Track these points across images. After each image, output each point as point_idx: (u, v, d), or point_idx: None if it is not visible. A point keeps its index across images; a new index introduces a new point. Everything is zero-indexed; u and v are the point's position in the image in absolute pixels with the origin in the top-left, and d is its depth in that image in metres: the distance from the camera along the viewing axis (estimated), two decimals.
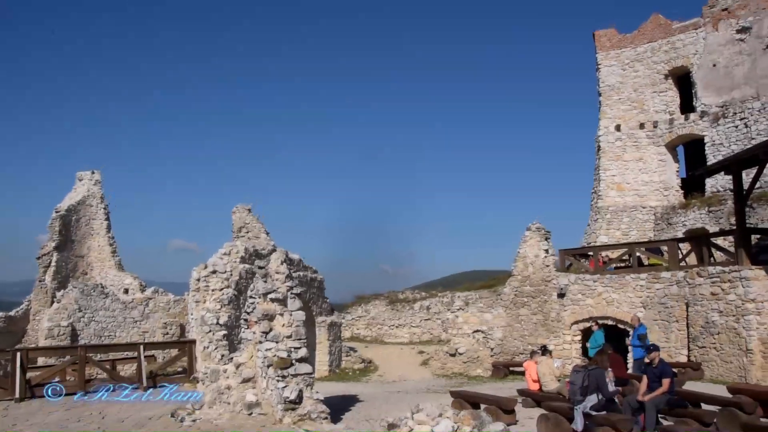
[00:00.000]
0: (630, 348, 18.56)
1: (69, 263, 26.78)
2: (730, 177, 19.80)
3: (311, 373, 11.82)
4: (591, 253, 24.13)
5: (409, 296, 32.15)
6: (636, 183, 28.68)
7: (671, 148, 28.59)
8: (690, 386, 14.88)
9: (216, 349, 14.43)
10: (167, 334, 26.26)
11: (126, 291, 27.64)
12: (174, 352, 19.19)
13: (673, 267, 20.26)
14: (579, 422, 10.45)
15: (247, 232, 26.69)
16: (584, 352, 20.48)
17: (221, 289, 15.80)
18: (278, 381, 11.15)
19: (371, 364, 24.26)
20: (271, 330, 11.95)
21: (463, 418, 8.92)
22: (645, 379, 11.34)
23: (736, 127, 25.64)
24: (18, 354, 14.64)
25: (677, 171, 28.66)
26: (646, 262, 22.85)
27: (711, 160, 25.56)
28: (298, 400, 10.99)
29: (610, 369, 11.49)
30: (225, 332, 14.78)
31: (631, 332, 18.80)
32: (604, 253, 24.34)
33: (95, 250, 28.34)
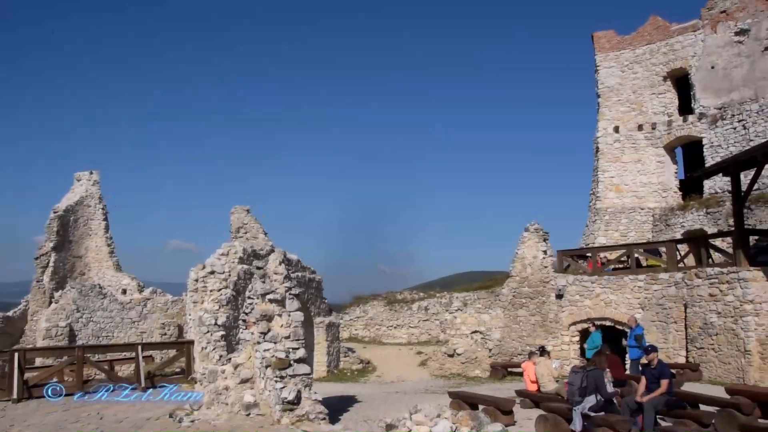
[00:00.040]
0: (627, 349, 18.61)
1: (67, 264, 26.76)
2: (729, 178, 19.85)
3: (309, 374, 11.80)
4: (589, 255, 24.16)
5: (407, 297, 32.13)
6: (634, 184, 28.72)
7: (670, 149, 28.64)
8: (688, 387, 14.90)
9: (214, 349, 14.40)
10: (165, 334, 26.23)
11: (124, 291, 27.61)
12: (172, 352, 19.17)
13: (672, 268, 20.29)
14: (577, 423, 10.45)
15: (246, 233, 26.68)
16: (582, 353, 20.49)
17: (219, 290, 15.77)
18: (276, 381, 11.13)
19: (369, 364, 24.25)
20: (269, 330, 11.94)
21: (461, 419, 8.92)
22: (643, 380, 11.34)
23: (735, 128, 25.68)
24: (16, 354, 14.58)
25: (675, 172, 28.70)
26: (644, 264, 22.88)
27: (709, 161, 25.61)
28: (297, 400, 10.98)
29: (608, 370, 11.49)
30: (223, 333, 14.75)
31: (628, 333, 18.85)
32: (602, 255, 24.37)
33: (93, 250, 28.31)
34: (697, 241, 21.37)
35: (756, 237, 20.38)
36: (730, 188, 20.21)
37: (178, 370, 18.65)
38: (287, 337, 11.87)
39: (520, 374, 17.06)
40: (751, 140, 24.32)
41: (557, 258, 23.27)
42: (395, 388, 19.26)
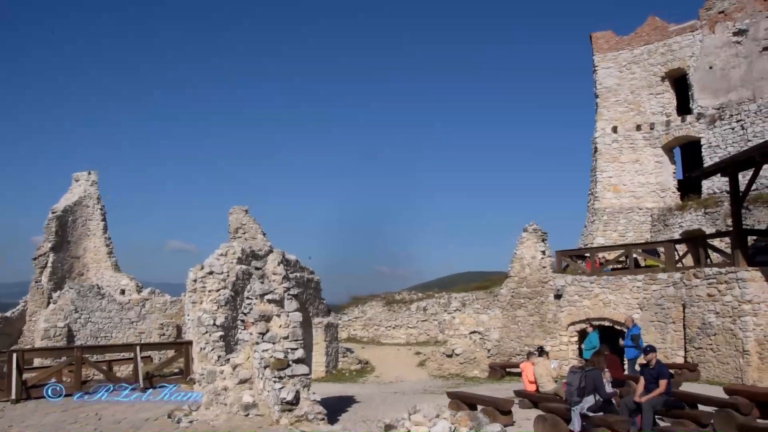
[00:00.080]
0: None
1: (65, 264, 26.73)
2: (727, 179, 19.86)
3: (308, 374, 11.81)
4: (588, 255, 24.17)
5: (405, 297, 32.15)
6: (632, 184, 28.72)
7: (668, 149, 28.64)
8: (687, 387, 14.91)
9: (213, 350, 14.41)
10: (164, 335, 26.21)
11: (122, 292, 27.59)
12: (171, 353, 19.17)
13: (670, 268, 20.30)
14: (576, 423, 10.46)
15: (244, 233, 26.68)
16: (581, 353, 20.50)
17: (218, 290, 15.78)
18: (275, 382, 11.13)
19: (368, 365, 24.25)
20: (267, 331, 11.94)
21: (460, 419, 8.93)
22: (642, 380, 11.35)
23: (733, 129, 25.70)
24: (14, 355, 14.59)
25: (674, 173, 28.71)
26: (642, 264, 22.89)
27: (707, 161, 25.63)
28: (295, 401, 10.99)
29: (607, 370, 11.51)
30: (222, 333, 14.76)
31: (625, 333, 18.87)
32: (600, 255, 24.38)
33: (91, 251, 28.27)
34: (696, 241, 21.40)
35: (754, 237, 20.41)
36: (728, 188, 20.24)
37: (176, 370, 18.65)
38: (286, 338, 11.87)
39: (519, 374, 17.06)
40: (749, 140, 24.34)
41: (556, 258, 23.28)
42: (394, 388, 19.26)
